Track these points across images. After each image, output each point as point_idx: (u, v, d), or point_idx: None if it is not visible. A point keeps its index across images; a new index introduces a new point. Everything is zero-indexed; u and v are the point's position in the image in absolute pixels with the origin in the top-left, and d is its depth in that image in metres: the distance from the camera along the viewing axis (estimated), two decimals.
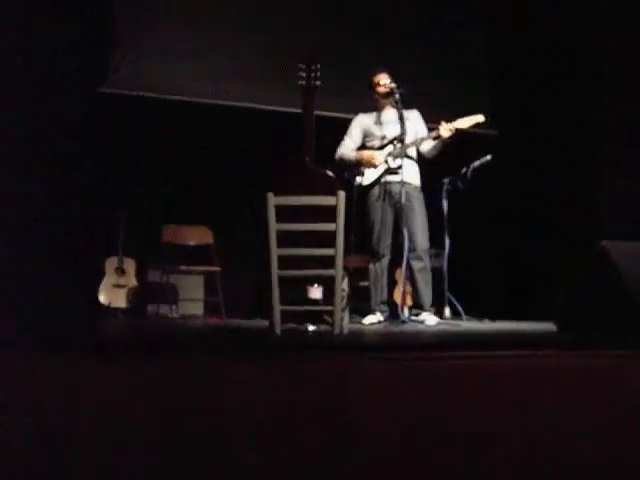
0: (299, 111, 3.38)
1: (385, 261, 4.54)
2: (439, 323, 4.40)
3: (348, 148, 4.64)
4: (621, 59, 5.53)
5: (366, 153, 4.58)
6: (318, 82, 3.33)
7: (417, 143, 4.56)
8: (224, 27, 6.12)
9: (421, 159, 4.67)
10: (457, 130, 4.45)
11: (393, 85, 4.50)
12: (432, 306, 4.57)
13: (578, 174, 5.76)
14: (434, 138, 4.52)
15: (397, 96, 4.46)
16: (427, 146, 4.59)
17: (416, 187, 4.56)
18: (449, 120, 4.48)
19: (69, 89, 5.44)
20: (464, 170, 5.06)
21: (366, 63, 5.78)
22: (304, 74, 3.34)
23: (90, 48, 5.63)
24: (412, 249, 4.42)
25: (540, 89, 6.19)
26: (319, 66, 3.32)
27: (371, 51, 6.20)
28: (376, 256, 4.52)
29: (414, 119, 4.65)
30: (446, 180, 5.17)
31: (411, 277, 4.49)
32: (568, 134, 5.90)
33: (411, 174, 4.53)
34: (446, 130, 4.43)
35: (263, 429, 1.70)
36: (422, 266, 4.48)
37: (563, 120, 5.96)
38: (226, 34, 6.10)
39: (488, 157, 5.04)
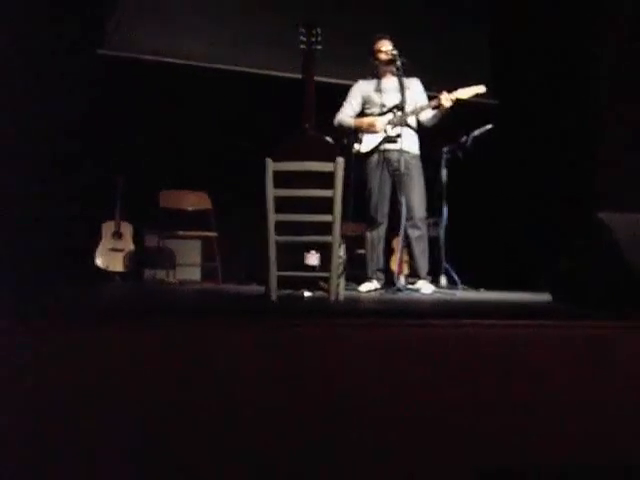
0: (300, 76, 3.36)
1: (382, 229, 4.54)
2: (435, 292, 4.42)
3: (347, 114, 4.62)
4: (620, 27, 5.51)
5: (366, 120, 4.55)
6: (319, 46, 3.30)
7: (417, 112, 4.53)
8: None
9: (421, 128, 4.64)
10: (458, 100, 4.42)
11: (395, 52, 4.46)
12: (429, 274, 4.58)
13: (577, 145, 5.75)
14: (434, 107, 4.48)
15: (398, 63, 4.42)
16: (427, 115, 4.56)
17: (415, 156, 4.54)
18: (450, 90, 4.44)
19: (67, 51, 5.40)
20: (464, 139, 5.04)
21: (368, 29, 5.74)
22: (304, 38, 3.31)
23: (87, 9, 5.59)
24: (409, 217, 4.42)
25: (540, 58, 6.15)
26: (319, 30, 3.29)
27: (373, 18, 6.14)
28: (373, 224, 4.52)
29: (414, 87, 4.61)
30: (446, 149, 5.15)
31: (408, 245, 4.50)
32: (568, 104, 5.87)
33: (410, 143, 4.51)
34: (447, 100, 4.40)
35: (258, 394, 1.71)
36: (419, 234, 4.49)
37: (563, 90, 5.93)
38: None
39: (488, 126, 5.01)
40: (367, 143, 4.53)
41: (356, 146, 4.51)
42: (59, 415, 1.62)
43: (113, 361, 1.68)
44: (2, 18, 5.03)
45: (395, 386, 1.79)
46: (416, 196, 4.46)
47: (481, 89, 4.48)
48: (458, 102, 4.43)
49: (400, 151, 4.39)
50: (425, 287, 4.41)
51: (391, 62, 4.51)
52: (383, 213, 4.51)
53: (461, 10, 6.76)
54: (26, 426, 1.60)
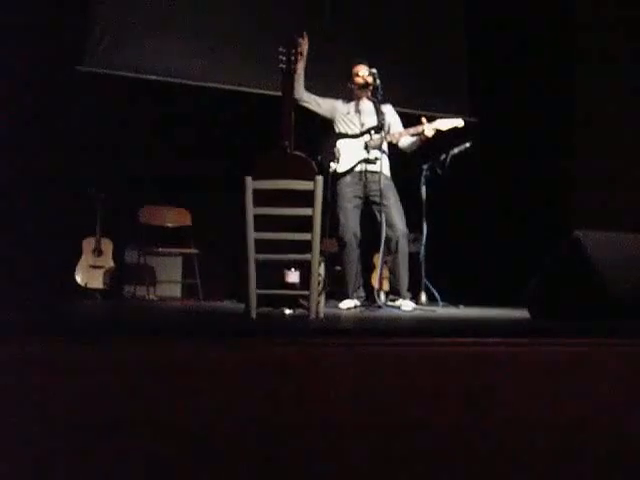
0: (279, 94, 3.38)
1: (351, 248, 4.54)
2: (415, 309, 4.44)
3: (310, 96, 4.61)
4: (591, 52, 5.62)
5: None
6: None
7: (397, 137, 4.58)
8: (206, 8, 6.07)
9: (397, 151, 4.69)
10: (437, 130, 4.51)
11: (374, 71, 4.49)
12: (408, 291, 4.60)
13: (555, 162, 5.81)
14: (414, 134, 4.55)
15: (377, 82, 4.46)
16: (407, 141, 4.61)
17: (388, 177, 4.60)
18: (428, 119, 4.54)
19: (48, 67, 5.40)
20: (443, 157, 5.08)
21: (344, 47, 5.82)
22: (284, 58, 3.33)
23: (67, 26, 5.59)
24: (393, 235, 4.45)
25: (517, 75, 6.22)
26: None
27: (349, 35, 6.20)
28: (344, 243, 4.53)
29: (389, 113, 4.68)
30: (425, 166, 5.19)
31: (393, 261, 4.52)
32: (546, 121, 5.94)
33: (384, 166, 4.55)
34: (430, 130, 4.48)
35: (237, 413, 1.71)
36: (403, 251, 4.52)
37: (540, 107, 6.00)
38: (208, 16, 6.05)
39: (467, 144, 5.06)
40: (344, 163, 4.55)
41: (332, 165, 4.53)
42: (34, 429, 1.61)
43: (89, 378, 1.68)
44: None
45: (376, 404, 1.80)
46: (396, 213, 4.50)
47: (460, 123, 4.59)
48: (437, 132, 4.52)
49: (375, 173, 4.47)
50: (405, 304, 4.43)
51: (366, 86, 4.57)
52: (352, 234, 4.52)
53: (436, 29, 6.82)
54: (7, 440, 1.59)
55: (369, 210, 4.57)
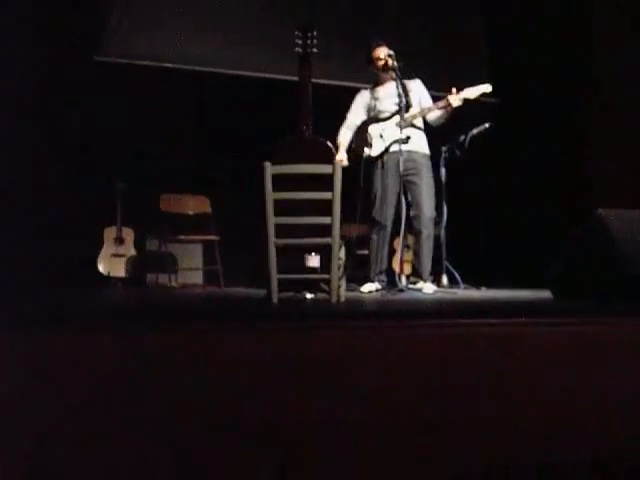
0: (297, 79, 3.37)
1: (387, 232, 4.53)
2: (436, 291, 4.43)
3: (349, 127, 4.65)
4: (613, 25, 5.55)
5: (338, 156, 4.46)
6: (315, 49, 3.31)
7: (424, 113, 4.54)
8: None
9: (427, 127, 4.65)
10: (465, 99, 4.44)
11: (391, 53, 4.45)
12: (430, 274, 4.59)
13: (576, 142, 5.76)
14: (441, 108, 4.49)
15: (395, 64, 4.42)
16: (434, 115, 4.57)
17: (425, 155, 4.55)
18: (458, 89, 4.45)
19: (65, 57, 5.42)
20: (462, 138, 5.04)
21: (363, 30, 5.77)
22: (300, 41, 3.32)
23: (84, 16, 5.61)
24: (419, 217, 4.44)
25: (539, 56, 6.15)
26: (316, 33, 3.30)
27: (369, 17, 6.15)
28: (378, 227, 4.51)
29: (417, 89, 4.62)
30: (444, 148, 5.16)
31: (417, 244, 4.50)
32: (567, 102, 5.88)
33: (421, 142, 4.53)
34: (456, 100, 4.41)
35: (261, 398, 1.72)
36: (428, 234, 4.51)
37: (561, 88, 5.93)
38: (223, 2, 6.04)
39: (487, 125, 5.02)
40: (377, 146, 4.53)
41: (366, 150, 4.52)
42: (59, 418, 1.63)
43: (116, 365, 1.69)
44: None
45: (398, 387, 1.80)
46: (426, 196, 4.47)
47: (488, 88, 4.50)
48: (465, 102, 4.44)
49: (410, 152, 4.43)
50: (427, 287, 4.42)
51: (387, 67, 4.52)
52: (387, 216, 4.50)
53: (457, 9, 6.76)
54: (24, 428, 1.61)
55: (399, 192, 4.54)
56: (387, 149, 4.53)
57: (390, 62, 4.46)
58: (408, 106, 4.48)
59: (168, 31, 5.89)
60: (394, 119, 4.52)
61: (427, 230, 4.49)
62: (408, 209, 4.43)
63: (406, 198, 4.44)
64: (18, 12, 5.13)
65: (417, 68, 4.73)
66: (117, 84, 5.61)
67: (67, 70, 5.45)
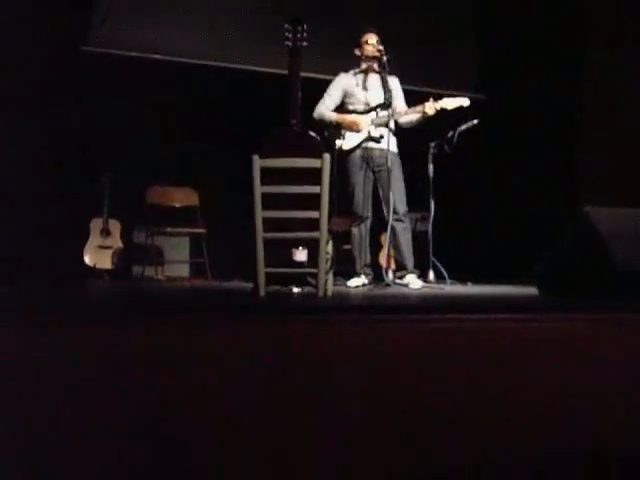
0: (286, 72, 3.36)
1: (367, 224, 4.56)
2: (423, 286, 4.44)
3: (328, 108, 4.61)
4: (604, 23, 5.57)
5: (349, 118, 4.55)
6: (304, 43, 3.29)
7: (400, 115, 4.54)
8: None
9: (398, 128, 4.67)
10: (442, 109, 4.49)
11: (381, 48, 4.46)
12: (416, 268, 4.60)
13: (563, 139, 5.79)
14: (417, 112, 4.52)
15: (384, 59, 4.42)
16: (407, 118, 4.57)
17: (395, 153, 4.58)
18: (436, 98, 4.51)
19: (51, 48, 5.38)
20: (450, 134, 5.05)
21: (353, 23, 5.75)
22: (290, 35, 3.30)
23: (71, 6, 5.57)
24: (395, 212, 4.46)
25: (528, 54, 6.17)
26: (305, 27, 3.29)
27: (358, 12, 6.14)
28: (359, 219, 4.53)
29: (395, 87, 4.63)
30: (432, 144, 5.16)
31: (395, 239, 4.51)
32: (554, 99, 5.90)
33: (391, 142, 4.53)
34: (431, 109, 4.47)
35: (246, 392, 1.71)
36: (404, 226, 4.54)
37: (549, 85, 5.96)
38: None
39: (475, 121, 5.03)
40: (350, 140, 4.54)
41: (338, 142, 4.52)
42: (42, 413, 1.62)
43: (100, 360, 1.68)
44: None
45: (385, 381, 1.80)
46: (398, 192, 4.51)
47: (465, 102, 4.56)
48: (442, 112, 4.51)
49: (381, 149, 4.48)
50: (414, 281, 4.43)
51: (376, 58, 4.52)
52: (368, 208, 4.54)
53: (446, 4, 6.76)
54: (7, 426, 1.60)
55: (375, 187, 4.57)
56: (359, 145, 4.54)
57: (380, 55, 4.46)
58: (388, 105, 4.49)
59: (156, 23, 5.86)
60: (370, 115, 4.53)
61: (403, 224, 4.52)
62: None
63: (378, 194, 4.48)
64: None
65: (406, 62, 4.73)
66: (104, 75, 5.58)
67: (53, 61, 5.42)
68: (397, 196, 4.49)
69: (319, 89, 4.63)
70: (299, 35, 3.28)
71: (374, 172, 4.55)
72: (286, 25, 3.32)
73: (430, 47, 6.50)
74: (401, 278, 4.52)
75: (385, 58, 4.43)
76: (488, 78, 6.62)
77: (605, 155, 5.35)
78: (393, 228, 4.48)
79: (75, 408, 1.63)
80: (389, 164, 4.38)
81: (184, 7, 5.93)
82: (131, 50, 5.79)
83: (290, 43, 3.30)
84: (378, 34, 4.60)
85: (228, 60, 6.03)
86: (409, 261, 4.54)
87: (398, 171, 4.54)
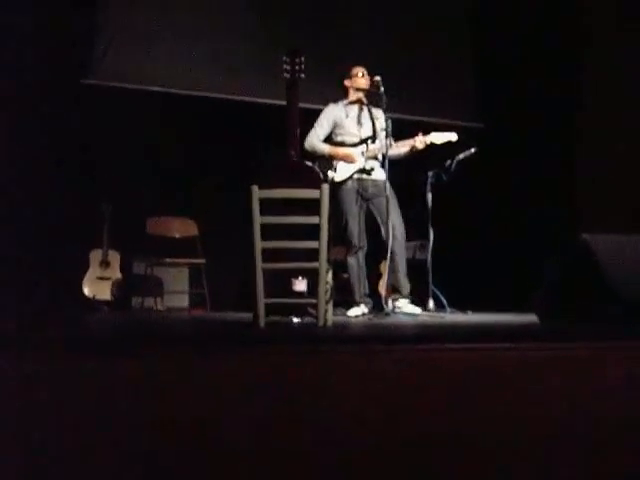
0: (284, 103, 3.38)
1: (362, 253, 4.57)
2: (422, 313, 4.44)
3: (319, 139, 4.64)
4: (603, 49, 5.61)
5: (342, 150, 4.58)
6: (302, 75, 3.32)
7: (389, 149, 4.56)
8: (208, 19, 6.10)
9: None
10: (431, 144, 4.57)
11: (378, 79, 4.50)
12: (411, 294, 4.61)
13: (561, 168, 5.81)
14: (407, 145, 4.60)
15: (381, 89, 4.46)
16: (396, 152, 4.59)
17: (385, 181, 4.56)
18: (425, 132, 4.58)
19: (53, 80, 5.43)
20: (448, 163, 5.08)
21: (349, 53, 5.82)
22: (288, 67, 3.33)
23: (71, 39, 5.62)
24: (394, 237, 4.47)
25: (525, 83, 6.22)
26: (303, 59, 3.32)
27: (354, 42, 6.21)
28: (354, 249, 4.54)
29: (381, 119, 4.67)
30: (430, 173, 5.19)
31: (392, 264, 4.52)
32: (552, 127, 5.94)
33: (381, 173, 4.58)
34: (421, 143, 4.56)
35: (247, 423, 1.71)
36: (402, 254, 4.58)
37: (546, 113, 6.00)
38: (211, 26, 6.09)
39: (472, 150, 5.06)
40: (342, 171, 4.57)
41: (330, 173, 4.55)
42: (43, 442, 1.61)
43: (99, 391, 1.68)
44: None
45: (386, 412, 1.79)
46: (397, 217, 4.53)
47: (453, 137, 4.63)
48: (431, 146, 4.58)
49: (374, 180, 4.57)
50: (411, 308, 4.43)
51: (365, 90, 4.62)
52: (363, 238, 4.56)
53: (444, 34, 6.84)
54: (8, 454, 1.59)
55: (369, 216, 4.60)
56: (351, 176, 4.58)
57: (376, 85, 4.50)
58: (376, 138, 4.59)
59: (155, 55, 5.92)
60: (360, 147, 4.57)
61: (401, 249, 4.56)
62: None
63: (376, 222, 4.54)
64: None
65: (403, 91, 4.77)
66: (104, 106, 5.62)
67: (56, 92, 5.46)
68: (397, 221, 4.52)
69: (312, 119, 4.67)
70: (297, 67, 3.31)
71: (368, 202, 4.58)
72: (284, 57, 3.35)
73: (426, 76, 6.55)
74: (395, 300, 4.52)
75: (382, 89, 4.46)
76: (483, 106, 6.67)
77: (610, 181, 5.37)
78: (392, 253, 4.49)
79: (74, 439, 1.62)
80: (380, 192, 4.46)
81: (181, 40, 5.99)
82: (132, 82, 5.84)
83: (288, 75, 3.33)
84: (366, 66, 4.66)
85: (227, 91, 6.08)
86: (406, 288, 4.56)
87: (393, 198, 4.55)
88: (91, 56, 5.82)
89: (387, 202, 4.38)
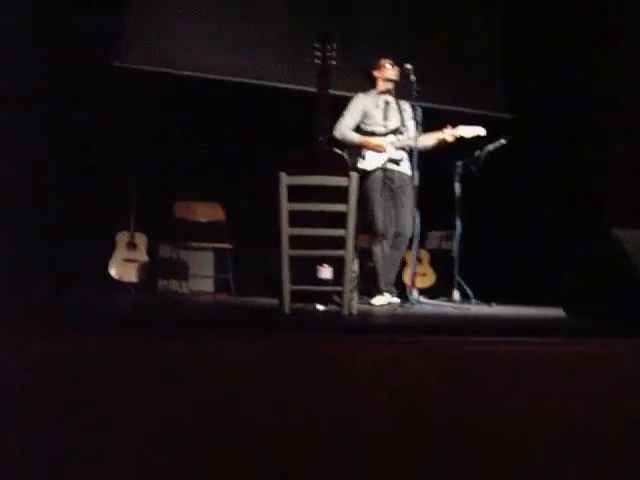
0: (314, 90, 3.38)
1: (385, 240, 4.56)
2: (388, 303, 4.42)
3: (349, 127, 4.63)
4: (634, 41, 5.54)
5: (373, 140, 4.57)
6: (334, 62, 3.31)
7: (418, 140, 4.55)
8: (239, 4, 6.10)
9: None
10: (460, 137, 4.56)
11: (409, 66, 4.47)
12: (394, 286, 4.62)
13: (590, 160, 5.74)
14: (436, 138, 4.57)
15: (412, 77, 4.44)
16: (424, 143, 4.57)
17: (410, 177, 4.58)
18: (454, 125, 4.56)
19: (83, 63, 5.46)
20: (478, 153, 5.04)
21: (381, 42, 5.80)
22: (319, 53, 3.32)
23: (103, 22, 5.65)
24: (399, 234, 4.52)
25: (554, 72, 6.15)
26: (335, 46, 3.31)
27: (384, 30, 6.18)
28: (379, 236, 4.54)
29: (408, 110, 4.68)
30: (459, 163, 5.16)
31: (391, 256, 4.55)
32: (582, 119, 5.86)
33: (408, 165, 4.59)
34: (450, 136, 4.55)
35: (270, 408, 1.72)
36: (401, 250, 4.61)
37: (577, 105, 5.92)
38: (243, 10, 6.08)
39: (502, 141, 5.02)
40: (371, 161, 4.55)
41: (360, 162, 4.54)
42: (60, 421, 1.63)
43: (124, 373, 1.69)
44: (19, 33, 5.11)
45: (410, 401, 1.79)
46: (410, 217, 4.52)
47: (482, 131, 4.61)
48: (459, 139, 4.57)
49: (401, 172, 4.58)
50: (379, 299, 4.46)
51: (394, 81, 4.63)
52: (386, 224, 4.55)
53: (475, 23, 6.77)
54: (26, 430, 1.61)
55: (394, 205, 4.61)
56: (379, 166, 4.57)
57: (407, 73, 4.49)
58: (403, 128, 4.60)
59: (186, 41, 5.92)
60: (389, 137, 4.56)
61: (403, 246, 4.59)
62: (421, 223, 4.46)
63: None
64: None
65: (435, 83, 4.74)
66: (134, 90, 5.64)
67: (83, 75, 5.49)
68: (408, 221, 4.53)
69: (340, 106, 4.66)
70: (328, 54, 3.30)
71: (393, 192, 4.57)
72: (315, 44, 3.34)
73: (457, 65, 6.50)
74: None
75: (412, 77, 4.44)
76: (514, 97, 6.60)
77: (636, 172, 5.30)
78: (395, 246, 4.55)
79: (89, 422, 1.64)
80: (403, 186, 4.53)
81: (212, 24, 5.98)
82: (159, 66, 5.85)
83: (319, 62, 3.32)
84: (397, 54, 4.66)
85: (258, 77, 6.07)
86: (390, 282, 4.58)
87: (412, 195, 4.54)
88: (121, 40, 5.83)
89: (402, 195, 4.47)
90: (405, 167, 4.60)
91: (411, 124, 4.66)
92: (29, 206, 5.12)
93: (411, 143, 4.51)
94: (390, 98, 4.68)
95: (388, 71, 4.65)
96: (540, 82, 6.28)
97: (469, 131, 4.57)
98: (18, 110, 5.13)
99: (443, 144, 4.58)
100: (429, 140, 4.57)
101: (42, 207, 5.20)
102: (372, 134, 4.61)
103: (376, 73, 4.71)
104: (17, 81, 5.16)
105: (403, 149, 4.61)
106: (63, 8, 5.38)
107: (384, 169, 4.57)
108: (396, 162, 4.58)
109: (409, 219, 4.51)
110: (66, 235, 5.19)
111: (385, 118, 4.63)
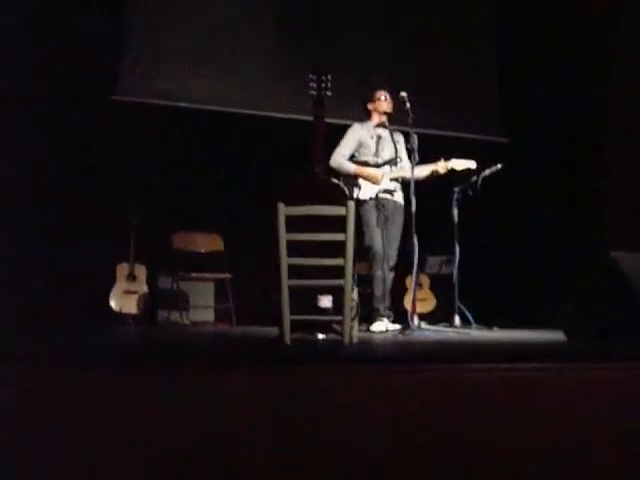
0: (310, 119, 3.40)
1: (380, 266, 4.59)
2: (387, 330, 4.43)
3: (345, 157, 4.69)
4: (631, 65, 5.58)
5: (367, 170, 4.68)
6: (329, 92, 3.34)
7: (411, 172, 4.59)
8: (236, 37, 6.15)
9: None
10: (451, 169, 4.69)
11: (404, 94, 4.52)
12: (391, 310, 4.65)
13: (588, 183, 5.77)
14: (429, 170, 4.68)
15: (407, 105, 4.49)
16: (417, 174, 4.62)
17: (402, 206, 4.76)
18: (446, 159, 4.68)
19: (82, 96, 5.50)
20: (474, 178, 5.07)
21: (374, 70, 5.85)
22: (314, 84, 3.35)
23: (100, 56, 5.70)
24: (388, 261, 4.61)
25: (551, 98, 6.19)
26: (329, 77, 3.34)
27: (378, 58, 6.23)
28: (377, 263, 4.57)
29: (401, 142, 4.80)
30: (456, 189, 5.19)
31: (384, 286, 4.60)
32: (579, 143, 5.90)
33: (400, 195, 4.76)
34: (443, 168, 4.68)
35: (272, 440, 1.71)
36: (392, 277, 4.69)
37: (573, 128, 5.96)
38: (238, 42, 6.13)
39: (499, 166, 5.05)
40: (366, 190, 4.66)
41: (355, 191, 4.61)
42: (59, 454, 1.63)
43: (124, 406, 1.69)
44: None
45: (411, 431, 1.78)
46: (396, 245, 4.69)
47: (472, 165, 4.74)
48: (451, 171, 4.70)
49: (394, 201, 4.72)
50: (379, 326, 4.46)
51: (387, 114, 4.74)
52: (380, 250, 4.62)
53: (469, 49, 6.83)
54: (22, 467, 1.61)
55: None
56: (374, 195, 4.64)
57: (390, 109, 4.69)
58: (398, 160, 4.73)
59: (183, 72, 5.97)
60: (384, 168, 4.67)
61: (392, 273, 4.68)
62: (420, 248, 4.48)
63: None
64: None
65: (429, 107, 4.79)
66: (132, 121, 5.68)
67: (82, 108, 5.53)
68: (393, 249, 4.68)
69: (337, 136, 4.71)
70: (323, 85, 3.33)
71: (387, 219, 4.69)
72: (310, 75, 3.37)
73: (451, 91, 6.54)
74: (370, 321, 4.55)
75: (407, 105, 4.49)
76: (510, 121, 6.65)
77: (635, 195, 5.32)
78: (385, 276, 4.61)
79: (89, 455, 1.64)
80: (395, 214, 4.67)
81: (209, 56, 6.04)
82: (159, 99, 5.90)
83: (314, 92, 3.35)
84: (392, 81, 4.78)
85: (255, 107, 6.11)
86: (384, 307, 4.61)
87: (401, 225, 4.72)
88: (119, 73, 5.88)
89: (393, 224, 4.66)
90: (398, 197, 4.73)
91: (405, 155, 4.73)
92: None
93: (405, 174, 4.61)
94: (384, 132, 4.77)
95: (382, 104, 4.77)
96: (535, 105, 6.32)
97: (461, 164, 4.70)
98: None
99: (436, 176, 4.71)
100: (422, 171, 4.67)
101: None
102: (365, 164, 4.70)
103: (370, 106, 4.80)
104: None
105: (397, 180, 4.72)
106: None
107: (378, 198, 4.65)
108: (390, 192, 4.69)
109: (394, 248, 4.68)
110: (66, 267, 5.20)
111: (377, 150, 4.71)
